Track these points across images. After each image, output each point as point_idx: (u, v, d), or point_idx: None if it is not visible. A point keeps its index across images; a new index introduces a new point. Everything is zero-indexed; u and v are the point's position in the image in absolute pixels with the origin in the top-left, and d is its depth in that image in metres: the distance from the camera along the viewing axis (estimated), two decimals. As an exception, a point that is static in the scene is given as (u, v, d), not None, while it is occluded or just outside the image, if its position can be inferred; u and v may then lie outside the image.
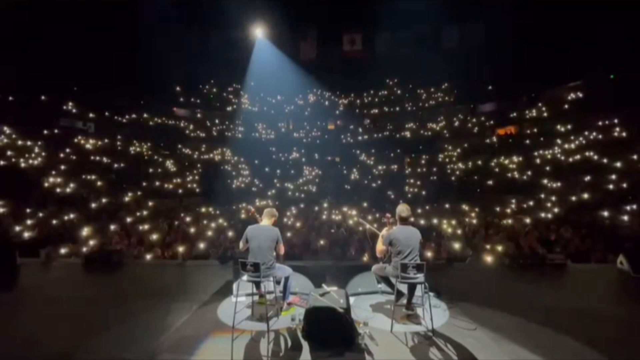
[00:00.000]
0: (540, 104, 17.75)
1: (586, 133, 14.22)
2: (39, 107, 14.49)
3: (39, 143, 12.60)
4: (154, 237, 8.53)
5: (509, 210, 11.91)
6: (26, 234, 8.39)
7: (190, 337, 3.49)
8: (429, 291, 3.76)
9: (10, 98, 13.49)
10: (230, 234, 8.59)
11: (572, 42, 16.14)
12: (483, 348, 3.28)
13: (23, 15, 14.19)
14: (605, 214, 9.72)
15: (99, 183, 12.34)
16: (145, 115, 18.68)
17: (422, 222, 9.47)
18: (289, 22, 23.63)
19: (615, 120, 13.76)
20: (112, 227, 9.33)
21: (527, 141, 16.25)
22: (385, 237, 3.91)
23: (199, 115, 21.52)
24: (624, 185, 10.83)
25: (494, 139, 18.06)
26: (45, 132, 13.62)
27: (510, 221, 10.37)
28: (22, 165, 11.17)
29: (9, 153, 11.27)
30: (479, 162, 16.25)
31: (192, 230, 9.32)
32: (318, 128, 22.48)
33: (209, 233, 8.91)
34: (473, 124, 19.70)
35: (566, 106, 16.66)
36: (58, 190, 10.94)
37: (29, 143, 12.32)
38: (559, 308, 4.23)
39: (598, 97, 15.18)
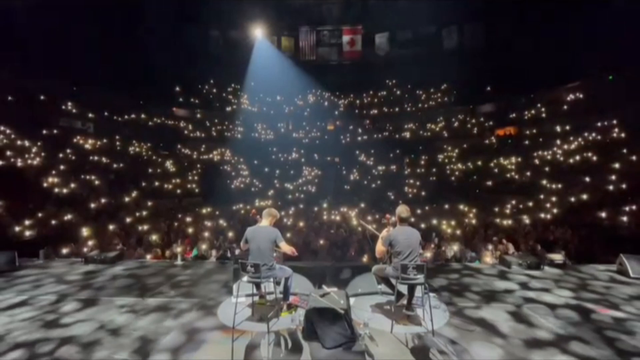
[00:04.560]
0: (539, 105, 17.80)
1: (585, 134, 14.27)
2: (38, 106, 14.46)
3: (38, 143, 12.57)
4: (154, 237, 8.53)
5: (508, 211, 11.94)
6: (26, 234, 8.38)
7: (190, 338, 3.49)
8: (428, 292, 3.77)
9: (9, 98, 13.45)
10: (230, 234, 8.59)
11: (570, 42, 16.19)
12: (483, 349, 3.28)
13: (22, 15, 14.17)
14: (604, 214, 9.74)
15: (98, 183, 12.32)
16: (144, 115, 18.66)
17: (422, 225, 9.48)
18: (290, 22, 23.71)
19: (614, 121, 13.80)
20: (112, 227, 9.32)
21: (526, 142, 16.30)
22: (385, 238, 3.91)
23: (198, 115, 21.52)
24: (623, 186, 10.86)
25: (493, 139, 18.11)
26: (45, 132, 13.58)
27: (509, 222, 10.40)
28: (21, 165, 11.15)
29: (8, 153, 11.24)
30: (479, 163, 16.29)
31: (192, 230, 9.33)
32: (317, 128, 22.51)
33: (209, 233, 8.91)
34: (472, 125, 19.75)
35: (565, 107, 16.71)
36: (57, 190, 10.91)
37: (28, 143, 12.29)
38: (559, 308, 4.24)
39: (596, 97, 15.23)
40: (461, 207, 12.43)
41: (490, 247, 7.74)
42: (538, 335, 3.55)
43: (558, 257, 6.33)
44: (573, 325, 3.78)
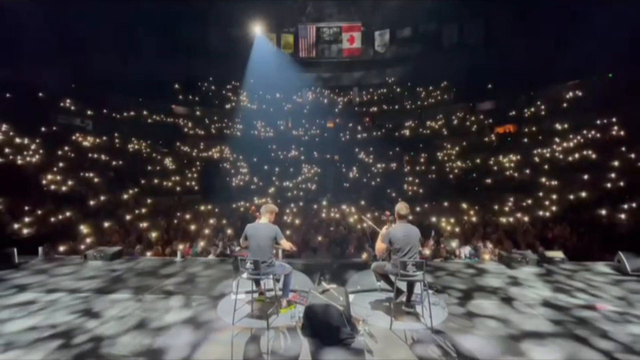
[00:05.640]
0: (539, 103, 17.79)
1: (584, 131, 14.27)
2: (36, 104, 14.40)
3: (37, 140, 12.54)
4: (153, 234, 8.53)
5: (507, 208, 11.96)
6: (24, 231, 8.37)
7: (190, 335, 3.50)
8: (427, 289, 3.78)
9: (8, 95, 13.40)
10: (229, 231, 8.60)
11: (570, 40, 16.16)
12: (481, 345, 3.30)
13: (20, 12, 14.08)
14: (603, 212, 9.77)
15: (97, 180, 12.31)
16: (143, 112, 18.61)
17: (422, 223, 9.48)
18: (289, 19, 23.61)
19: (614, 119, 13.80)
20: (111, 224, 9.32)
21: (526, 139, 16.29)
22: (385, 235, 3.91)
23: (197, 112, 21.44)
24: (622, 183, 10.88)
25: (493, 137, 18.10)
26: (43, 129, 13.54)
27: (509, 219, 10.42)
28: (20, 162, 11.12)
29: (6, 150, 11.21)
30: (478, 160, 16.30)
31: (191, 227, 9.33)
32: (317, 126, 22.47)
33: (208, 231, 8.92)
34: (472, 122, 19.72)
35: (565, 105, 16.71)
36: (56, 187, 10.90)
37: (26, 140, 12.26)
38: (557, 305, 4.26)
39: (596, 95, 15.23)
40: (460, 204, 12.44)
41: (489, 244, 7.76)
42: (536, 333, 3.57)
43: (556, 254, 6.35)
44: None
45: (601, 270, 5.83)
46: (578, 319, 3.87)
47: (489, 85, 20.64)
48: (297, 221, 10.08)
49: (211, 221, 10.10)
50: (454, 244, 7.73)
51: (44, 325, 3.69)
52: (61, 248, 7.29)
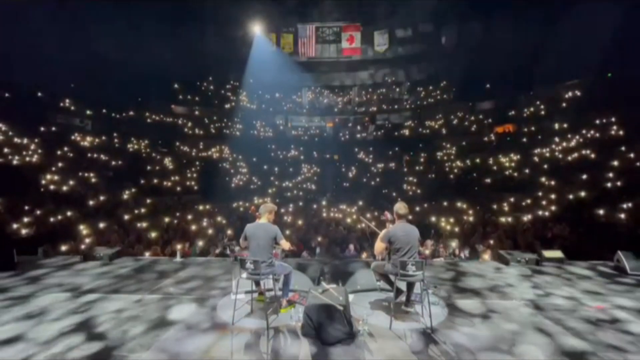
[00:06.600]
0: (538, 102, 17.81)
1: (583, 131, 14.29)
2: (36, 104, 14.38)
3: (36, 140, 12.52)
4: (152, 234, 8.53)
5: (506, 208, 11.97)
6: (23, 232, 8.36)
7: (189, 335, 3.50)
8: (427, 288, 3.78)
9: (7, 95, 13.37)
10: (229, 231, 8.60)
11: (570, 40, 16.18)
12: (481, 345, 3.30)
13: (19, 12, 14.06)
14: (602, 211, 9.78)
15: (96, 180, 12.30)
16: (143, 112, 18.58)
17: (421, 223, 9.49)
18: (289, 19, 23.61)
19: (612, 119, 13.83)
20: (110, 224, 9.31)
21: (525, 139, 16.32)
22: (384, 234, 3.91)
23: (197, 112, 21.44)
24: (621, 183, 10.90)
25: (492, 136, 18.13)
26: (42, 129, 13.53)
27: (508, 219, 10.43)
28: (19, 162, 11.11)
29: (5, 150, 11.19)
30: (477, 160, 16.32)
31: (191, 227, 9.33)
32: (316, 126, 22.48)
33: (208, 231, 8.91)
34: (471, 122, 19.75)
35: (564, 104, 16.73)
36: (55, 187, 10.88)
37: (26, 140, 12.24)
38: (556, 305, 4.27)
39: (595, 95, 15.25)
40: (460, 204, 12.45)
41: (489, 243, 7.77)
42: (536, 332, 3.58)
43: (555, 253, 6.36)
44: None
45: (599, 270, 5.83)
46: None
47: (488, 85, 20.67)
48: (299, 222, 10.07)
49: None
50: (454, 243, 7.74)
51: (45, 327, 3.69)
52: (61, 248, 7.28)
